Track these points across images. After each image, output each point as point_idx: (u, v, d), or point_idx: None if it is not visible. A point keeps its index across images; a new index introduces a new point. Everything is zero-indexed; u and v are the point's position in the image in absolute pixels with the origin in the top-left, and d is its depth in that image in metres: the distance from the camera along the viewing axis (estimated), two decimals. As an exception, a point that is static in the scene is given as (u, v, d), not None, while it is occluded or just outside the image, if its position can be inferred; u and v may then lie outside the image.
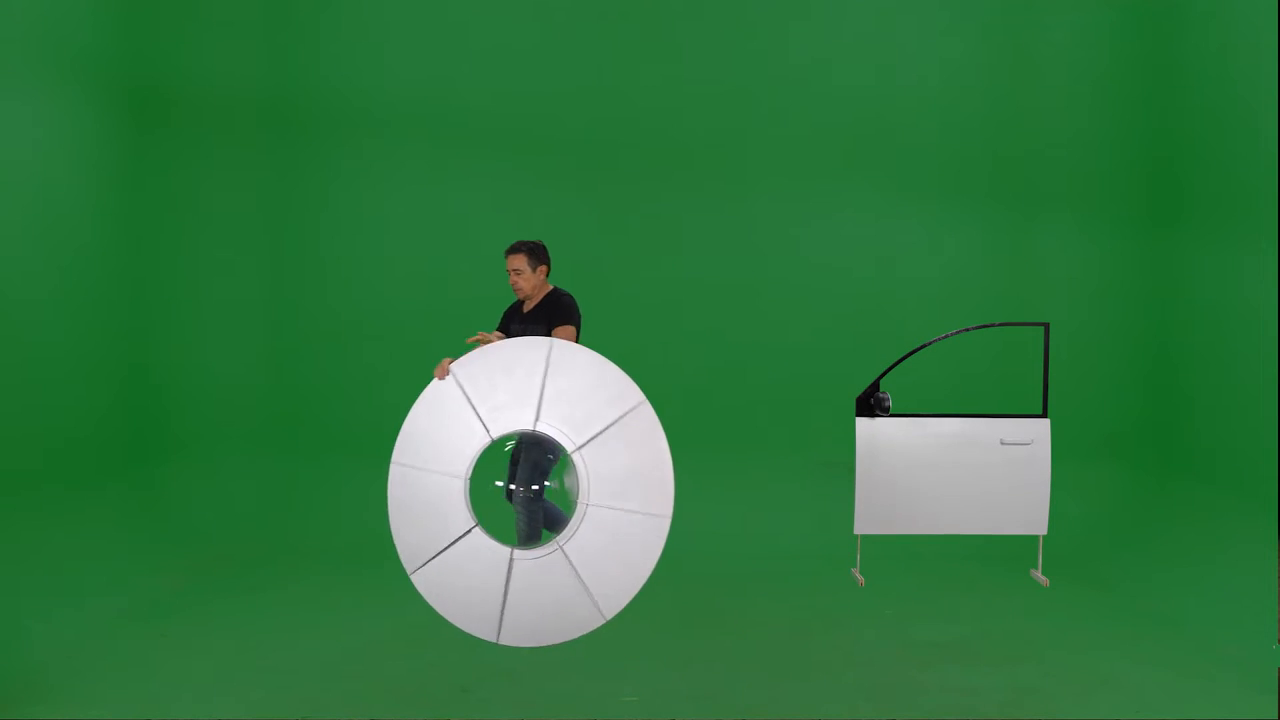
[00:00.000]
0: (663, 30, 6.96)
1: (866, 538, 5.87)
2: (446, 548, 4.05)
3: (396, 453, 4.15)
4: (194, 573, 5.85)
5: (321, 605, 5.32)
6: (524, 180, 6.96)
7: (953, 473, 5.69)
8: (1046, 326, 5.81)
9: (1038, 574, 5.79)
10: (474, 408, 4.11)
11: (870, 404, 5.72)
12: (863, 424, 5.71)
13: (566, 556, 4.10)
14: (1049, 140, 6.89)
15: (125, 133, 6.38)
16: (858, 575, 5.81)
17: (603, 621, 4.07)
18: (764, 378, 6.96)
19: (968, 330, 5.96)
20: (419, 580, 4.05)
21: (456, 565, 4.02)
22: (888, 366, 5.78)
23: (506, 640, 4.04)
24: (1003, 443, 5.72)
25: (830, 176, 6.96)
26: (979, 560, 6.20)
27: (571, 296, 4.73)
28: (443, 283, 6.97)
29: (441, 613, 4.07)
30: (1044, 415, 5.78)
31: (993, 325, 5.98)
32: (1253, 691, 4.10)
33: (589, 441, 4.11)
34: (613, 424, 4.14)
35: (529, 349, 4.16)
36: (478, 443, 4.10)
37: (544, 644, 4.06)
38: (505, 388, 4.12)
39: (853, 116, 6.93)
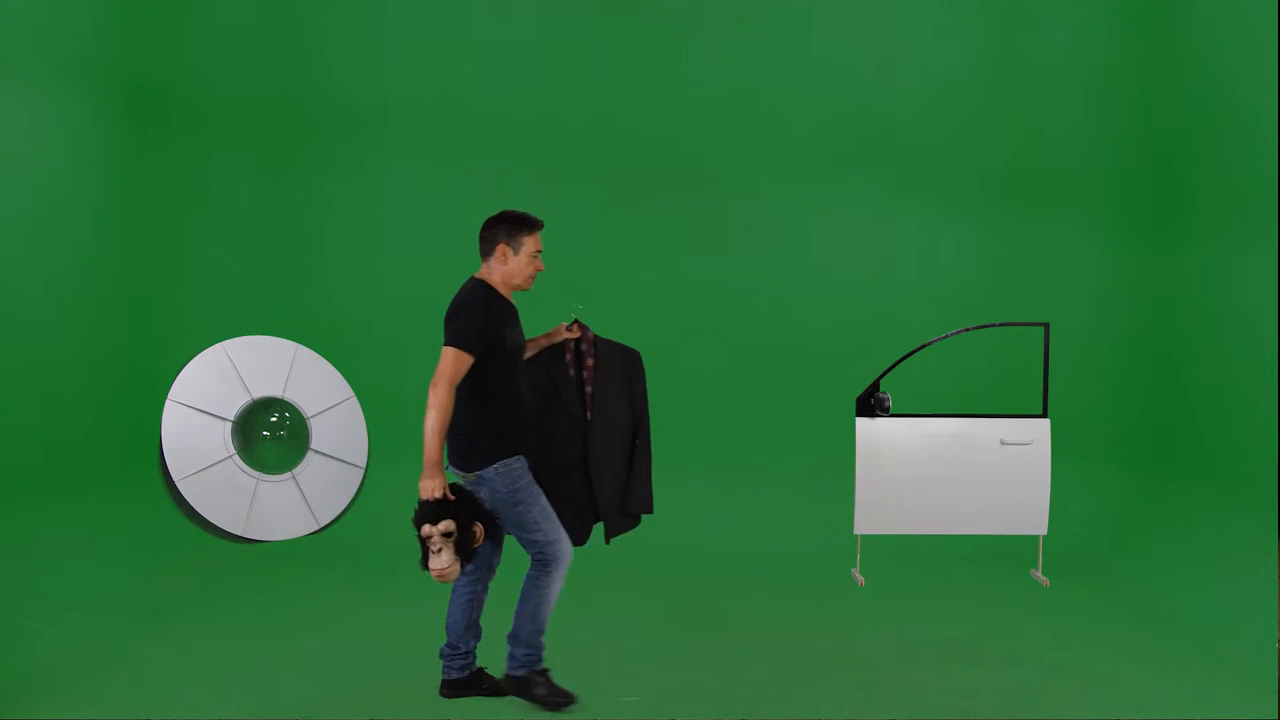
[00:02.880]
0: (663, 30, 6.96)
1: (866, 538, 5.88)
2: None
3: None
4: (193, 573, 5.85)
5: (321, 605, 5.32)
6: (524, 180, 6.96)
7: (953, 473, 5.69)
8: (1046, 326, 5.82)
9: (1038, 574, 5.79)
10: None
11: (870, 404, 5.72)
12: (863, 424, 5.71)
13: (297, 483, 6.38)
14: (1049, 140, 6.89)
15: (125, 133, 6.38)
16: (857, 575, 5.81)
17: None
18: (764, 378, 6.96)
19: (968, 330, 5.97)
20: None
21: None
22: (888, 367, 5.78)
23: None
24: (1003, 443, 5.72)
25: (830, 176, 6.96)
26: (979, 560, 6.19)
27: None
28: (443, 283, 6.95)
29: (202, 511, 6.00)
30: (1044, 415, 5.78)
31: (993, 325, 5.99)
32: (1253, 691, 4.10)
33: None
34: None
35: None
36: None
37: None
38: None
39: (853, 116, 6.93)
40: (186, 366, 6.46)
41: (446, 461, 3.89)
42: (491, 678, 4.09)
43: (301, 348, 6.76)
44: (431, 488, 3.71)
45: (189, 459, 6.36)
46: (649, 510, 4.51)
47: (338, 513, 6.67)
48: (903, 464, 5.68)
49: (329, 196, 6.93)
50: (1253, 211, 5.59)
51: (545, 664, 3.98)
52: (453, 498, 3.76)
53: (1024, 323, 5.96)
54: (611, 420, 4.37)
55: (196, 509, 6.32)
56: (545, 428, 4.21)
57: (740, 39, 6.96)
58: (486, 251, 3.98)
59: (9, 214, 5.33)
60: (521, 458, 3.88)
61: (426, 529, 3.71)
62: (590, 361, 4.38)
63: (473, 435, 3.83)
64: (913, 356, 5.77)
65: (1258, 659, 4.38)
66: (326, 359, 6.82)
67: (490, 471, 3.81)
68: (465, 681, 4.06)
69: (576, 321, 4.39)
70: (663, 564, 6.09)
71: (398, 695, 4.08)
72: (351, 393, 6.82)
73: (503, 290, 3.95)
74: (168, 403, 6.37)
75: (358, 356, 6.91)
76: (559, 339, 4.34)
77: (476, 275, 3.98)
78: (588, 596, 5.47)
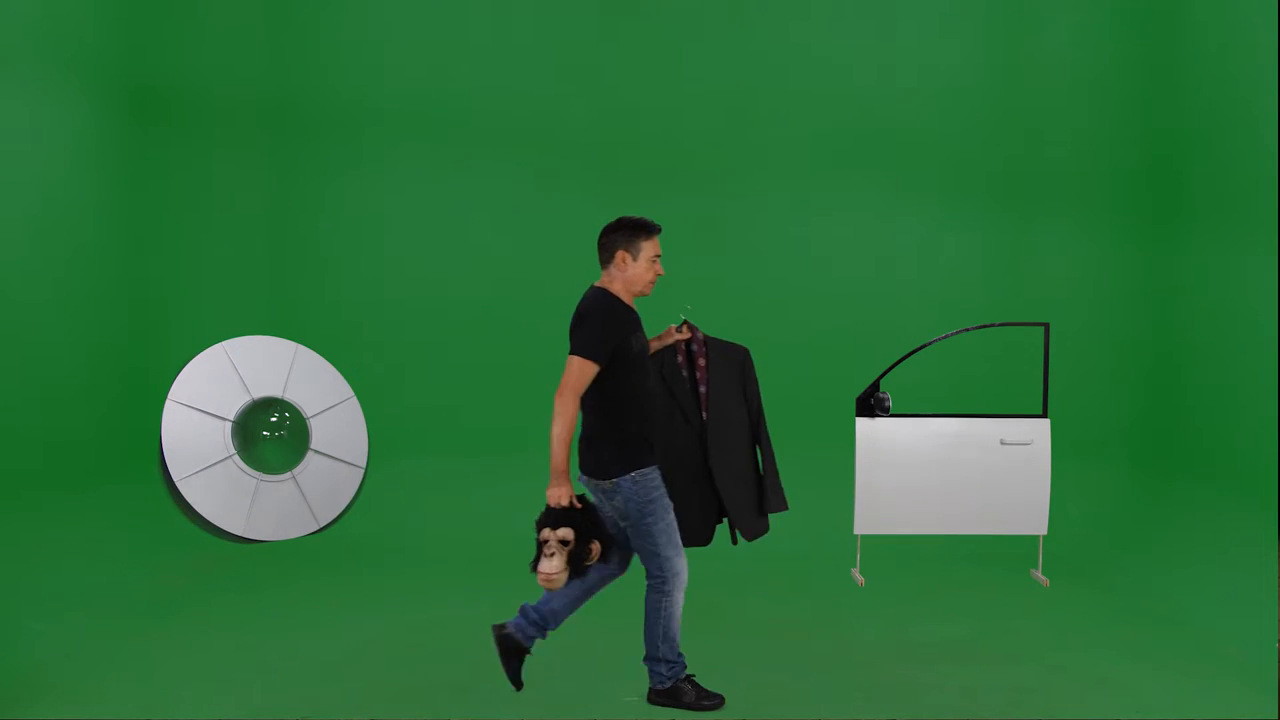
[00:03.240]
0: (663, 30, 6.96)
1: (866, 538, 5.87)
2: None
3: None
4: (194, 573, 5.85)
5: (321, 605, 5.32)
6: (525, 180, 6.97)
7: (953, 473, 5.69)
8: (1046, 326, 5.81)
9: (1038, 574, 5.79)
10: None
11: (870, 404, 5.72)
12: (863, 424, 5.71)
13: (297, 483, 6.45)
14: (1049, 140, 6.89)
15: (125, 132, 6.38)
16: (857, 575, 5.81)
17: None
18: (764, 378, 6.92)
19: (968, 330, 5.97)
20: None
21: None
22: (888, 366, 5.78)
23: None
24: (1003, 443, 5.72)
25: (830, 176, 6.96)
26: (979, 560, 6.19)
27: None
28: (444, 283, 6.97)
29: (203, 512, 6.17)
30: (1044, 415, 5.78)
31: (992, 325, 5.99)
32: (1253, 691, 4.10)
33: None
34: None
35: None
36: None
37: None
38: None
39: (853, 116, 6.93)
40: (186, 366, 6.46)
41: (576, 471, 3.89)
42: (516, 663, 4.07)
43: (301, 348, 6.76)
44: (558, 495, 3.71)
45: (189, 459, 6.36)
46: (784, 508, 4.52)
47: (338, 513, 6.67)
48: (903, 464, 5.68)
49: (329, 196, 6.93)
50: (1253, 211, 5.59)
51: (687, 670, 4.02)
52: (579, 506, 3.76)
53: (1024, 323, 5.96)
54: (728, 419, 4.36)
55: (196, 509, 6.32)
56: (663, 430, 4.17)
57: (740, 39, 6.96)
58: (606, 259, 3.91)
59: (9, 214, 5.34)
60: (656, 469, 3.86)
61: (546, 533, 3.71)
62: (702, 362, 4.39)
63: (605, 443, 3.81)
64: (913, 356, 5.76)
65: (1258, 659, 4.38)
66: (326, 359, 6.82)
67: (626, 480, 3.78)
68: (510, 644, 4.04)
69: (686, 322, 4.38)
70: (663, 564, 6.08)
71: (398, 695, 4.08)
72: (351, 393, 6.82)
73: (624, 297, 3.89)
74: (168, 403, 6.37)
75: (358, 356, 6.91)
76: (670, 341, 4.35)
77: (597, 284, 3.93)
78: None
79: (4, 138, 5.30)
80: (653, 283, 3.94)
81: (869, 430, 5.70)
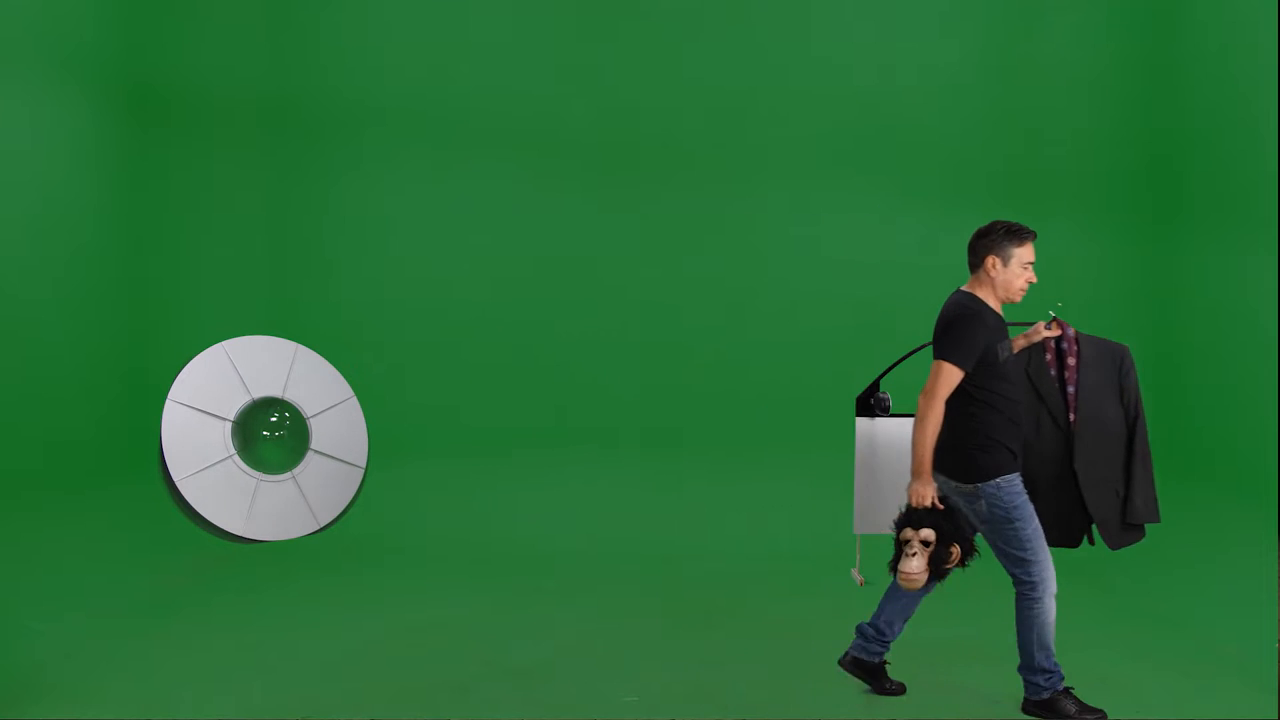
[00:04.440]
0: (663, 30, 6.96)
1: (866, 538, 5.87)
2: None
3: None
4: (194, 573, 5.85)
5: (321, 605, 5.31)
6: (525, 180, 6.97)
7: (953, 473, 5.68)
8: (1047, 326, 5.80)
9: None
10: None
11: (870, 404, 5.72)
12: (863, 424, 5.71)
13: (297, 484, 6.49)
14: (1049, 140, 6.89)
15: (125, 132, 6.38)
16: (857, 575, 5.81)
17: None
18: (764, 378, 6.96)
19: (968, 330, 5.95)
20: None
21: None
22: (888, 366, 5.78)
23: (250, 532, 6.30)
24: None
25: (830, 177, 6.96)
26: (979, 560, 6.17)
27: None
28: (444, 283, 6.97)
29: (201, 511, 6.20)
30: (1044, 415, 5.77)
31: (993, 325, 5.97)
32: (1253, 691, 4.10)
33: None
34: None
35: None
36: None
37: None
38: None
39: (853, 116, 6.93)
40: (186, 366, 6.46)
41: (937, 474, 3.85)
42: (892, 681, 4.07)
43: (301, 348, 6.76)
44: (922, 494, 3.70)
45: (189, 459, 6.36)
46: (1155, 519, 4.20)
47: (338, 513, 6.67)
48: (903, 464, 5.66)
49: (329, 196, 6.93)
50: (1253, 211, 5.59)
51: (1065, 682, 3.89)
52: (941, 508, 3.74)
53: (1024, 323, 5.95)
54: (1100, 422, 4.12)
55: (196, 509, 6.32)
56: (1028, 431, 4.07)
57: (740, 39, 6.96)
58: (975, 264, 3.85)
59: (9, 214, 5.34)
60: (1019, 475, 3.81)
61: (908, 533, 3.70)
62: (1072, 360, 4.15)
63: (969, 448, 3.77)
64: (913, 356, 5.76)
65: (1258, 659, 4.38)
66: (326, 359, 6.82)
67: (991, 485, 3.74)
68: (862, 666, 4.04)
69: (1055, 319, 4.19)
70: (663, 564, 6.09)
71: (398, 695, 4.08)
72: (351, 393, 6.82)
73: (992, 303, 3.82)
74: (168, 403, 6.37)
75: (358, 356, 6.91)
76: (1038, 338, 4.18)
77: (963, 288, 3.89)
78: (588, 596, 5.47)
79: (4, 138, 5.30)
80: (1024, 290, 3.83)
81: (869, 430, 5.70)
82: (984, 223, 7.24)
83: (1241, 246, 5.72)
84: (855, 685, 4.19)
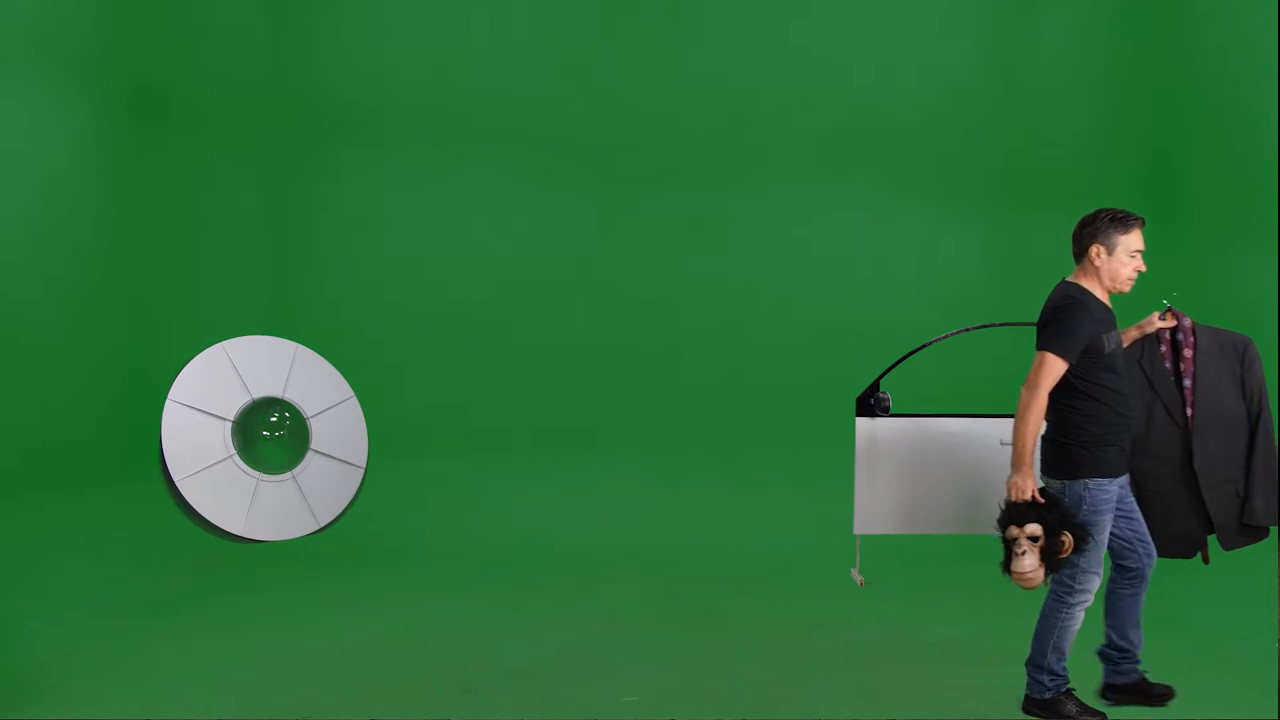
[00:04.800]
0: (663, 30, 6.96)
1: (866, 538, 5.86)
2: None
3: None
4: (194, 573, 5.85)
5: (321, 605, 5.31)
6: (525, 180, 6.97)
7: (953, 473, 5.68)
8: (1047, 326, 5.80)
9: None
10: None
11: (870, 404, 5.71)
12: (863, 424, 5.70)
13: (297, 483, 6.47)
14: (1048, 140, 6.89)
15: (125, 132, 6.38)
16: (857, 575, 5.81)
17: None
18: (764, 378, 6.96)
19: (968, 330, 5.96)
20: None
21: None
22: (888, 367, 5.77)
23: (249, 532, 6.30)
24: (1002, 443, 5.70)
25: (830, 176, 6.96)
26: (979, 560, 6.16)
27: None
28: (444, 283, 6.97)
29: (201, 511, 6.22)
30: (1045, 416, 5.77)
31: (993, 325, 5.98)
32: (1253, 691, 4.10)
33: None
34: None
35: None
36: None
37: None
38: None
39: (853, 116, 6.93)
40: (186, 366, 6.46)
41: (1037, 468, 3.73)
42: (1160, 685, 3.94)
43: (301, 348, 6.76)
44: (1021, 487, 3.61)
45: (189, 459, 6.36)
46: (1275, 522, 4.03)
47: (338, 513, 6.67)
48: (903, 464, 5.66)
49: (329, 196, 6.93)
50: (1253, 211, 5.59)
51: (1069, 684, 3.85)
52: (1042, 501, 3.64)
53: (1024, 323, 5.94)
54: (1218, 416, 3.96)
55: (196, 509, 6.32)
56: (1141, 426, 3.93)
57: (740, 39, 6.95)
58: (1079, 254, 3.76)
59: (9, 214, 5.34)
60: (1116, 484, 3.69)
61: (1012, 531, 3.61)
62: (1189, 353, 3.99)
63: (1065, 443, 3.68)
64: (913, 356, 5.76)
65: (1258, 659, 4.38)
66: (326, 359, 6.82)
67: (1079, 485, 3.65)
68: (1122, 690, 3.95)
69: (1170, 309, 4.04)
70: (663, 564, 6.09)
71: (398, 695, 4.08)
72: (351, 393, 6.82)
73: (1099, 293, 3.72)
74: (168, 403, 6.37)
75: (358, 356, 6.91)
76: (1152, 329, 4.04)
77: (1068, 279, 3.80)
78: (588, 597, 5.47)
79: (4, 138, 5.30)
80: (1132, 279, 3.72)
81: (869, 430, 5.69)
82: (984, 222, 7.22)
83: (1241, 246, 5.72)
84: (855, 685, 4.18)
